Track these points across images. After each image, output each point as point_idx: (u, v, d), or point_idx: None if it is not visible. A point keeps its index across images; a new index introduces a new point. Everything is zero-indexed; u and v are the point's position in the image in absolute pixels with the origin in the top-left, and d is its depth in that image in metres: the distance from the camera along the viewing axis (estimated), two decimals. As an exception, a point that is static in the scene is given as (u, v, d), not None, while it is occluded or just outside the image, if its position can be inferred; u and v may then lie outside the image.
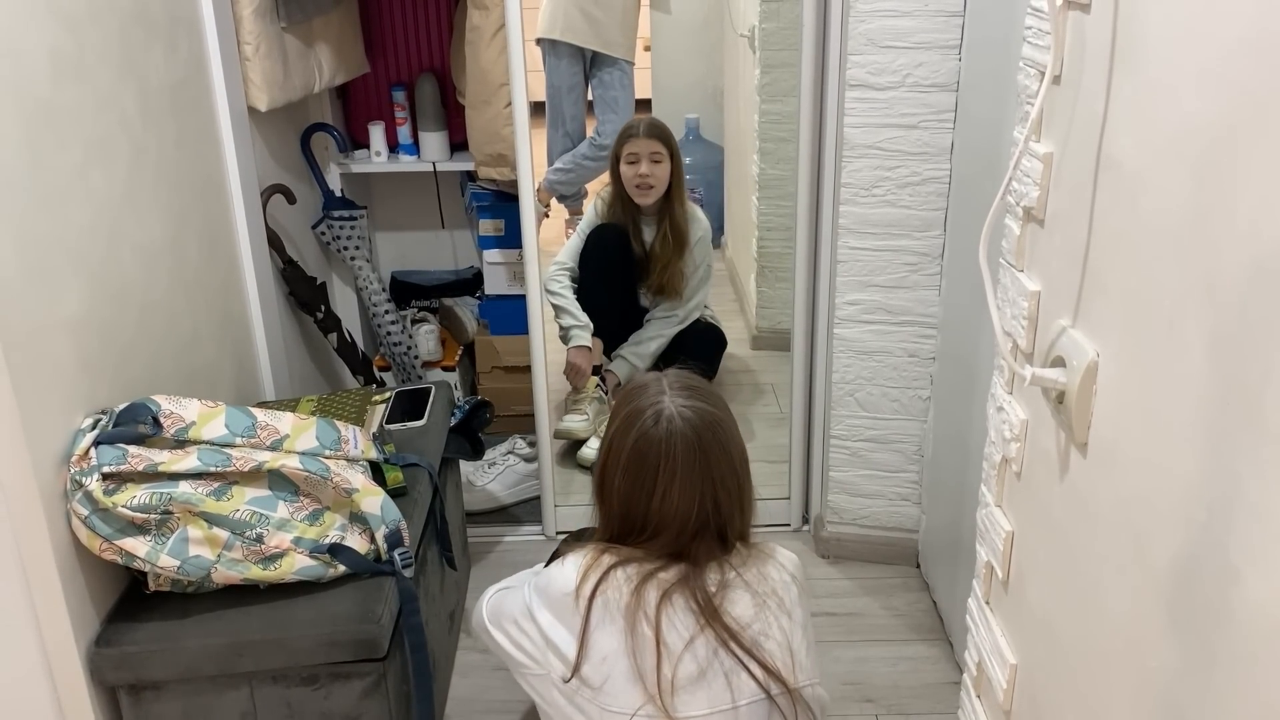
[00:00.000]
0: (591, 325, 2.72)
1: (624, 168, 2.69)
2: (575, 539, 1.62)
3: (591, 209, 2.86)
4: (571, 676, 1.26)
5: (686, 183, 2.84)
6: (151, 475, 1.35)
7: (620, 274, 2.78)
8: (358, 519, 1.51)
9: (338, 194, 2.67)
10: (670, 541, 1.29)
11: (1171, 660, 0.77)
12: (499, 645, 1.40)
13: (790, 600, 1.31)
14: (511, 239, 2.64)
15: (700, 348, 2.82)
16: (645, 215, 2.77)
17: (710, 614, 1.26)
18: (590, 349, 2.70)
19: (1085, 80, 0.89)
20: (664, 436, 1.28)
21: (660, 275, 2.75)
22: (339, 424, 1.57)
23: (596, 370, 2.75)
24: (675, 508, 1.28)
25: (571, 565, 1.30)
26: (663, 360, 2.74)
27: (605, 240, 2.76)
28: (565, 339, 2.71)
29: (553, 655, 1.29)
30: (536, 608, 1.32)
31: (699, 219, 2.82)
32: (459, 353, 2.89)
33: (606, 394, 2.74)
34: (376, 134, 2.67)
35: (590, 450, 2.75)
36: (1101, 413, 0.88)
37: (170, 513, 1.35)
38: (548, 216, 3.46)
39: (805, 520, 2.40)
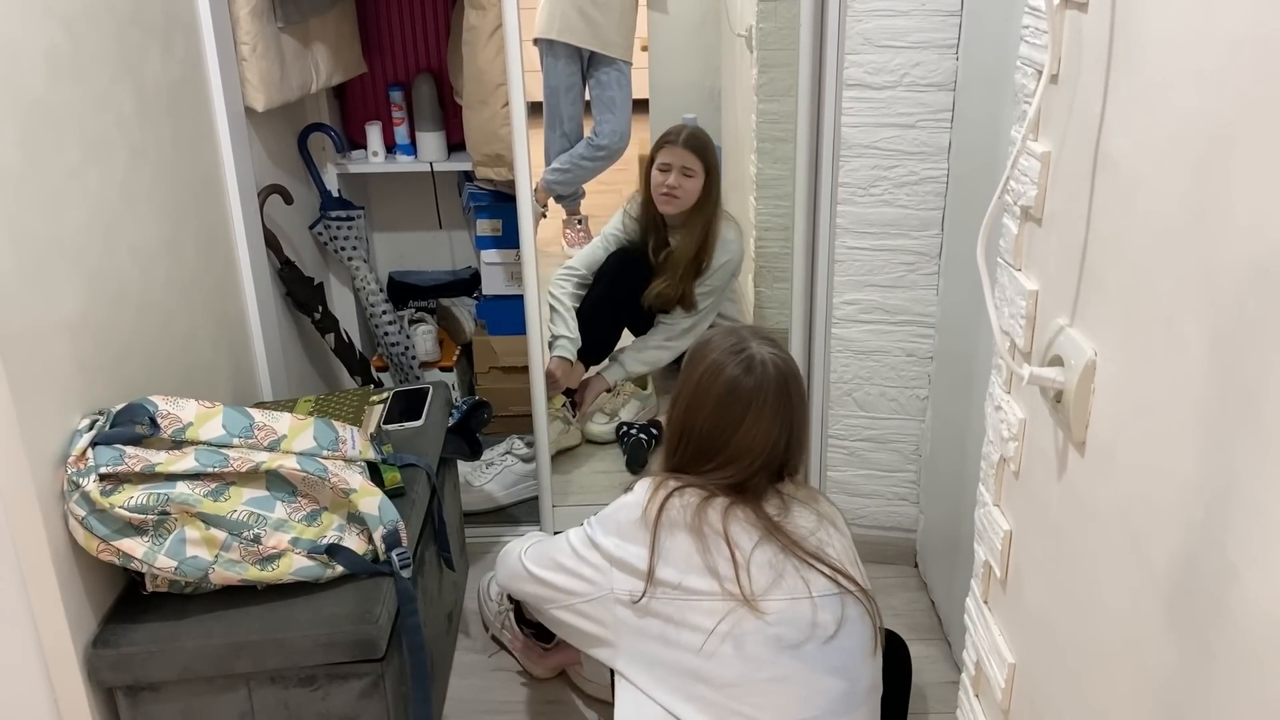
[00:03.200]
0: (580, 341, 2.66)
1: (654, 172, 2.60)
2: None
3: (619, 216, 2.78)
4: (646, 587, 1.33)
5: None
6: (149, 476, 1.34)
7: (633, 305, 2.71)
8: (356, 519, 1.51)
9: (335, 194, 2.67)
10: (738, 472, 1.39)
11: (1170, 659, 0.77)
12: (547, 581, 1.46)
13: (841, 524, 1.46)
14: (509, 239, 2.63)
15: None
16: (672, 224, 2.68)
17: (772, 528, 1.36)
18: (570, 363, 2.65)
19: (1083, 79, 0.89)
20: (759, 376, 1.40)
21: (667, 288, 2.66)
22: (337, 424, 1.57)
23: (570, 393, 2.71)
24: (755, 440, 1.39)
25: (639, 490, 1.41)
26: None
27: (626, 267, 2.68)
28: (550, 345, 2.64)
29: (619, 572, 1.37)
30: (599, 534, 1.41)
31: (728, 243, 2.67)
32: (457, 353, 2.88)
33: (573, 418, 2.71)
34: (374, 134, 2.67)
35: (598, 426, 2.73)
36: (1099, 412, 0.88)
37: (168, 513, 1.35)
38: (545, 216, 3.46)
39: (803, 520, 2.40)
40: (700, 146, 2.59)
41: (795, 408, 1.42)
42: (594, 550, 1.41)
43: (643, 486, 1.41)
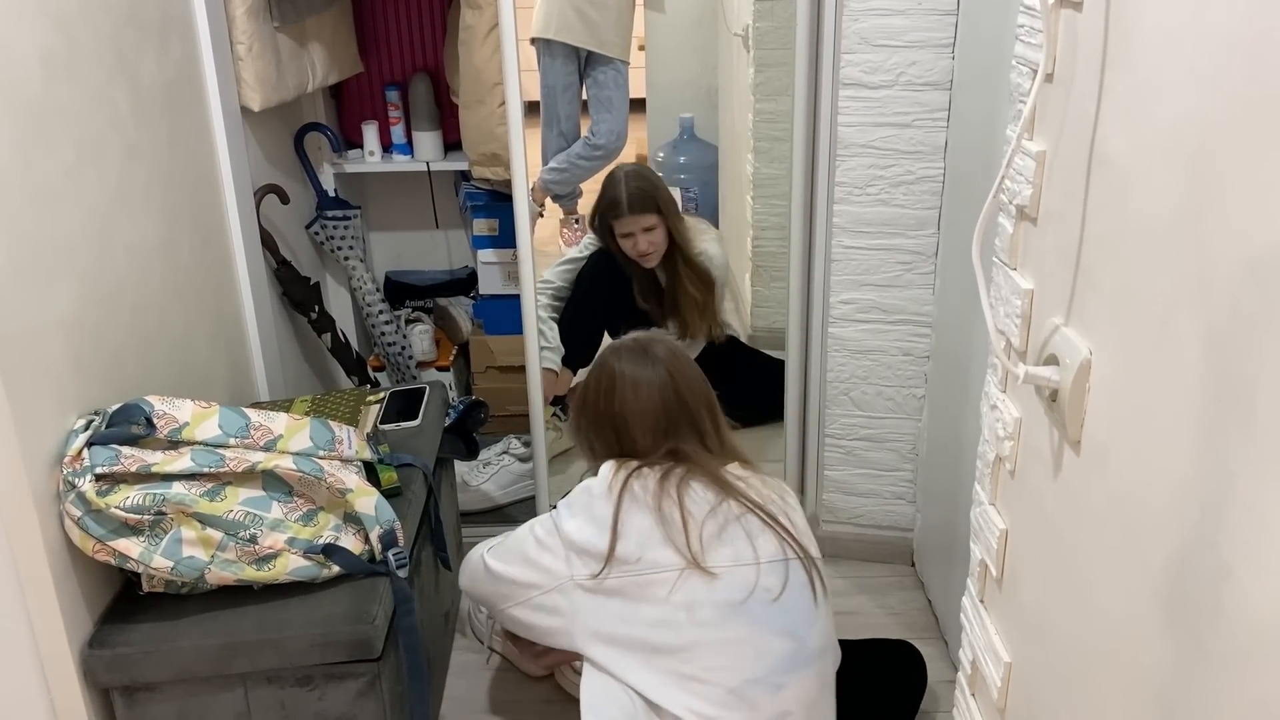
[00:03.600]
0: (562, 350, 2.69)
1: (621, 242, 2.66)
2: None
3: (589, 239, 2.83)
4: (604, 566, 1.41)
5: (680, 182, 2.81)
6: (145, 476, 1.34)
7: (612, 308, 2.74)
8: (352, 519, 1.51)
9: (331, 194, 2.66)
10: (651, 441, 1.52)
11: (1165, 657, 0.77)
12: (506, 577, 1.53)
13: (794, 504, 1.54)
14: (506, 239, 2.63)
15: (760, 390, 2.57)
16: (654, 266, 2.74)
17: (728, 489, 1.46)
18: (555, 373, 2.67)
19: (1078, 78, 0.90)
20: (611, 352, 1.59)
21: (695, 316, 2.71)
22: (333, 424, 1.57)
23: (559, 400, 2.72)
24: (643, 401, 1.52)
25: (604, 470, 1.50)
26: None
27: (602, 271, 2.72)
28: None
29: (577, 558, 1.44)
30: (564, 518, 1.48)
31: (713, 257, 2.76)
32: (453, 353, 2.88)
33: (564, 425, 2.71)
34: (370, 134, 2.66)
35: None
36: (1094, 411, 0.88)
37: (164, 513, 1.35)
38: (542, 216, 3.46)
39: (800, 519, 2.40)
40: (645, 200, 2.62)
41: (666, 360, 1.55)
42: (556, 537, 1.48)
43: (607, 467, 1.50)
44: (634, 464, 1.49)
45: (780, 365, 2.34)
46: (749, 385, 2.51)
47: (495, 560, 1.56)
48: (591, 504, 1.47)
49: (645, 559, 1.41)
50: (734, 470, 1.52)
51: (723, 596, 1.39)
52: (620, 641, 1.41)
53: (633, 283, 2.75)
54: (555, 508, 1.54)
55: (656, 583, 1.40)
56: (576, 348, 2.71)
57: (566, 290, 2.80)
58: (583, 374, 2.78)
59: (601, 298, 2.73)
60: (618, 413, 1.54)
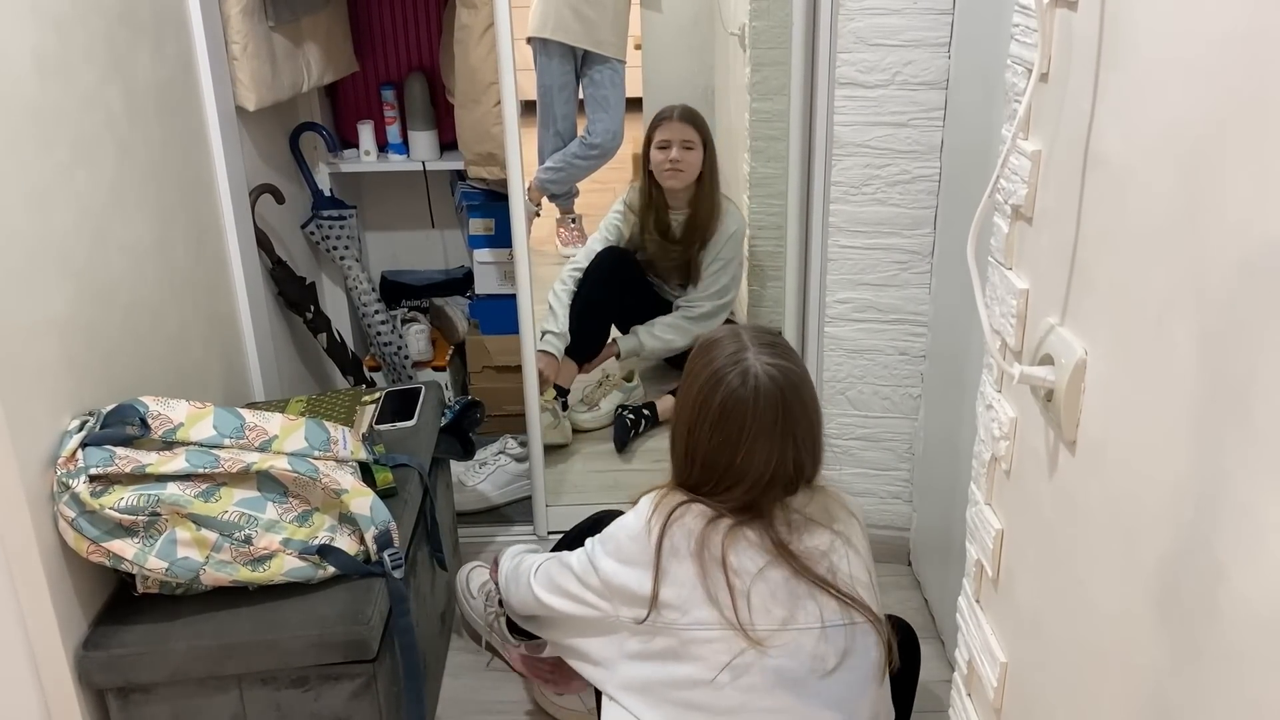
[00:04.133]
0: (567, 338, 2.70)
1: (655, 152, 2.66)
2: (594, 526, 1.59)
3: (619, 205, 2.83)
4: (649, 612, 1.28)
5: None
6: (139, 477, 1.34)
7: (619, 304, 2.75)
8: (347, 520, 1.50)
9: (327, 193, 2.66)
10: (743, 494, 1.32)
11: (1160, 657, 0.77)
12: (555, 609, 1.42)
13: (856, 536, 1.36)
14: (502, 238, 2.63)
15: None
16: (675, 204, 2.73)
17: (781, 549, 1.30)
18: (555, 359, 2.68)
19: (1073, 78, 0.89)
20: (750, 395, 1.30)
21: (672, 260, 2.72)
22: (328, 425, 1.57)
23: (561, 390, 2.73)
24: (757, 463, 1.31)
25: (642, 507, 1.35)
26: None
27: (613, 266, 2.74)
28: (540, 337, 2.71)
29: (620, 602, 1.32)
30: (599, 555, 1.36)
31: (732, 214, 2.76)
32: (450, 352, 2.88)
33: (563, 413, 2.72)
34: (366, 133, 2.66)
35: (580, 415, 2.73)
36: (1090, 411, 0.88)
37: (158, 514, 1.35)
38: (539, 215, 3.46)
39: (797, 519, 2.40)
40: (695, 119, 2.64)
41: (798, 420, 1.32)
42: (594, 575, 1.36)
43: (646, 503, 1.35)
44: (676, 501, 1.33)
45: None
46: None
47: (543, 590, 1.46)
48: (629, 544, 1.33)
49: (688, 612, 1.28)
50: (795, 503, 1.34)
51: (773, 663, 1.27)
52: (654, 693, 1.31)
53: (644, 236, 2.73)
54: (588, 543, 1.41)
55: (701, 639, 1.28)
56: (580, 341, 2.72)
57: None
58: (585, 375, 2.79)
59: (609, 295, 2.74)
60: (739, 465, 1.31)
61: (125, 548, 1.33)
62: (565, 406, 2.73)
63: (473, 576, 2.04)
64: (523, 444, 2.49)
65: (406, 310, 2.91)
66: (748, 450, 1.30)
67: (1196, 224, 0.70)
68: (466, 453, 2.17)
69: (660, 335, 2.76)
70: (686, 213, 2.72)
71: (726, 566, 1.27)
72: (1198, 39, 0.70)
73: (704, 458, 1.34)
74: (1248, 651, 0.65)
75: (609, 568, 1.34)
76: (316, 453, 1.51)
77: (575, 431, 2.76)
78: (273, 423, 1.49)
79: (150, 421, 1.38)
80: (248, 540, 1.40)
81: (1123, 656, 0.83)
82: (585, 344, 2.73)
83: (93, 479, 1.31)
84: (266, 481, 1.45)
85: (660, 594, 1.28)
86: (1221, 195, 0.67)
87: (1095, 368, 0.87)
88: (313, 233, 2.62)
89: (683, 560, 1.29)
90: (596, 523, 1.59)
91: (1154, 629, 0.77)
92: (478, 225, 2.69)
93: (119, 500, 1.31)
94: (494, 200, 2.60)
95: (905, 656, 1.69)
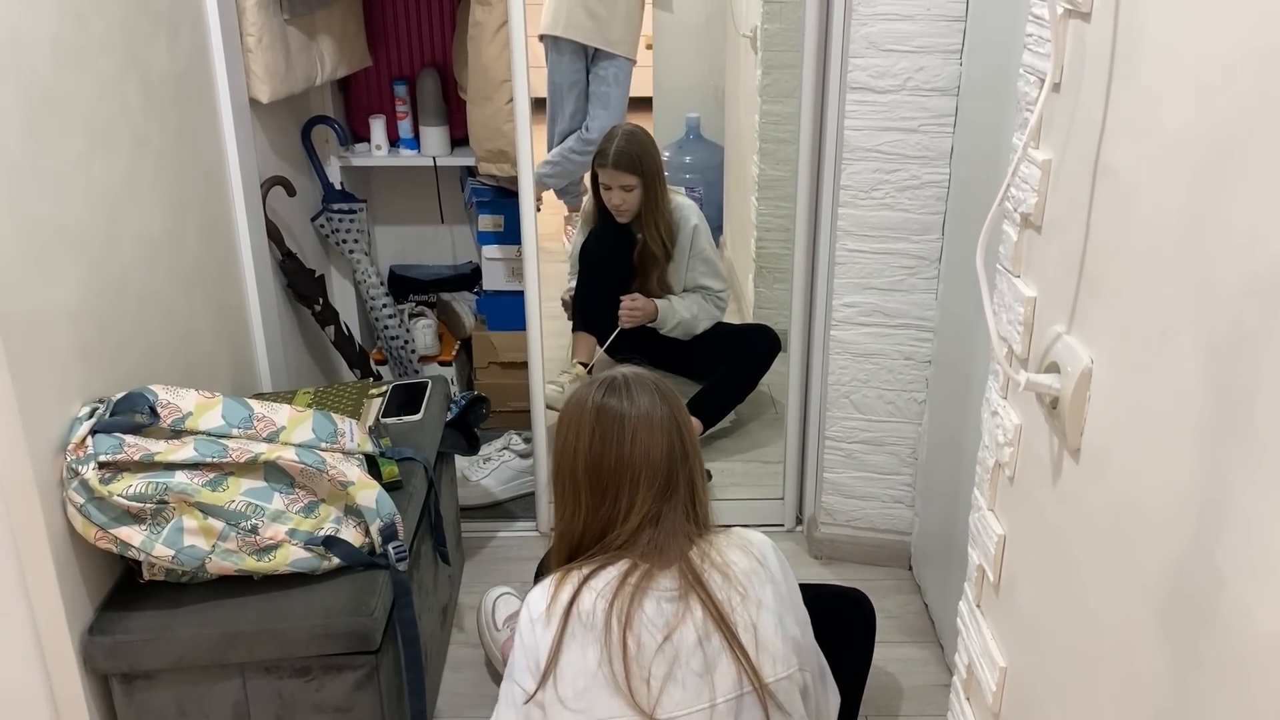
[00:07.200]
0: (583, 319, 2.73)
1: (600, 189, 2.65)
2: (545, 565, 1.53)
3: (586, 202, 2.85)
4: (534, 694, 1.22)
5: (685, 182, 2.81)
6: (148, 465, 1.35)
7: (618, 269, 2.75)
8: (353, 512, 1.51)
9: (337, 187, 2.67)
10: (647, 499, 1.27)
11: (1160, 665, 0.77)
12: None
13: (757, 588, 1.28)
14: (511, 235, 2.64)
15: (752, 343, 2.74)
16: (631, 224, 2.74)
17: (695, 582, 1.25)
18: (590, 338, 2.71)
19: (1084, 88, 0.90)
20: (622, 386, 1.31)
21: (645, 282, 2.72)
22: (335, 417, 1.58)
23: (586, 365, 2.73)
24: (650, 449, 1.28)
25: (535, 599, 1.27)
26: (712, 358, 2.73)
27: (602, 237, 2.74)
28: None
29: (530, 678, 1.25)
30: (517, 677, 1.27)
31: (684, 219, 2.73)
32: (456, 348, 2.89)
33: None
34: (377, 128, 2.67)
35: (553, 388, 2.67)
36: (1094, 419, 0.89)
37: (166, 502, 1.35)
38: (539, 210, 3.47)
39: (799, 521, 2.41)
40: (630, 163, 2.58)
41: (675, 409, 1.31)
42: (522, 693, 1.26)
43: (538, 594, 1.27)
44: (577, 577, 1.25)
45: (740, 330, 2.62)
46: (705, 351, 2.72)
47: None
48: (533, 645, 1.24)
49: (589, 708, 1.21)
50: (704, 549, 1.29)
51: None
52: None
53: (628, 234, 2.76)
54: (504, 681, 1.31)
55: None
56: (591, 313, 2.72)
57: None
58: (588, 376, 2.79)
59: (606, 264, 2.73)
60: (629, 459, 1.28)
61: (132, 534, 1.34)
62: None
63: (499, 605, 1.98)
64: (527, 440, 2.50)
65: (414, 304, 2.92)
66: (635, 440, 1.27)
67: (1204, 237, 0.71)
68: (471, 448, 2.18)
69: (688, 306, 2.73)
70: (642, 237, 2.72)
71: (628, 641, 1.21)
72: (1210, 55, 0.70)
73: (590, 475, 1.29)
74: (1249, 661, 0.66)
75: (527, 682, 1.25)
76: (324, 444, 1.51)
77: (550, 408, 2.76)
78: (281, 414, 1.49)
79: (159, 410, 1.39)
80: (254, 530, 1.41)
81: (1123, 664, 0.84)
82: (595, 315, 2.73)
83: (102, 466, 1.31)
84: (274, 472, 1.46)
85: (557, 686, 1.22)
86: (1230, 209, 0.68)
87: (1101, 376, 0.87)
88: (322, 226, 2.63)
89: (584, 646, 1.22)
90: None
91: (1155, 637, 0.78)
92: (487, 222, 2.70)
93: (127, 487, 1.32)
94: (504, 197, 2.61)
95: (858, 632, 1.64)
